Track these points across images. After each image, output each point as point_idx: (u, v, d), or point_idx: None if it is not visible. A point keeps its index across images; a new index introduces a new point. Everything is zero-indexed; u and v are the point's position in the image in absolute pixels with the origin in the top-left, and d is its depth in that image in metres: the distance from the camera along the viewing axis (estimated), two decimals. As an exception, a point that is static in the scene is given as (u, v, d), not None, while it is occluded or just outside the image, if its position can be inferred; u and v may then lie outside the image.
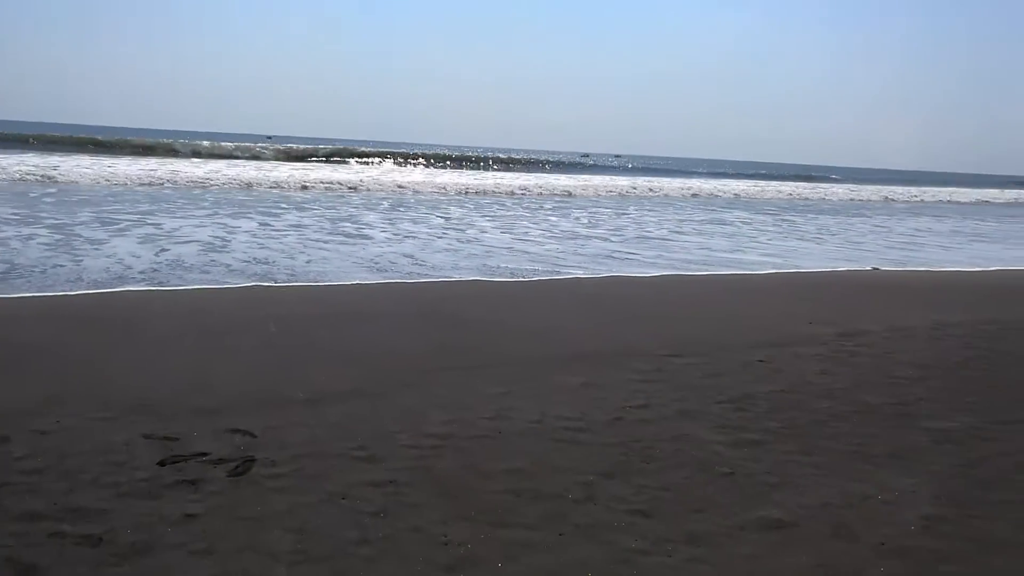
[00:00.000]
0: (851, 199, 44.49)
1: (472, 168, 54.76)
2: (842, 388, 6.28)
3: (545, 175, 46.84)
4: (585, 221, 21.78)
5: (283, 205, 21.68)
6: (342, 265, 11.72)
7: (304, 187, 28.34)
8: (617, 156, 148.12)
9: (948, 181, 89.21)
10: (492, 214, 22.32)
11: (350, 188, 29.26)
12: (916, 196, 48.49)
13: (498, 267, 12.18)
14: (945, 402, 5.95)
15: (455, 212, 22.36)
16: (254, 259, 11.79)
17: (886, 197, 47.01)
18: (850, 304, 10.24)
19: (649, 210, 27.64)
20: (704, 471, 4.55)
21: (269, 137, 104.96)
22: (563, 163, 71.67)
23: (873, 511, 4.06)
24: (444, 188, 31.20)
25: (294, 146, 56.78)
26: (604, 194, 35.28)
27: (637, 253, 14.85)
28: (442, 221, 19.45)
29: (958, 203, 46.70)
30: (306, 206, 21.72)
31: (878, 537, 3.75)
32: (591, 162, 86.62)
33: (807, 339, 7.92)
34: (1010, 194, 59.18)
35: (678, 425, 5.31)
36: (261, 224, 16.54)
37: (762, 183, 53.69)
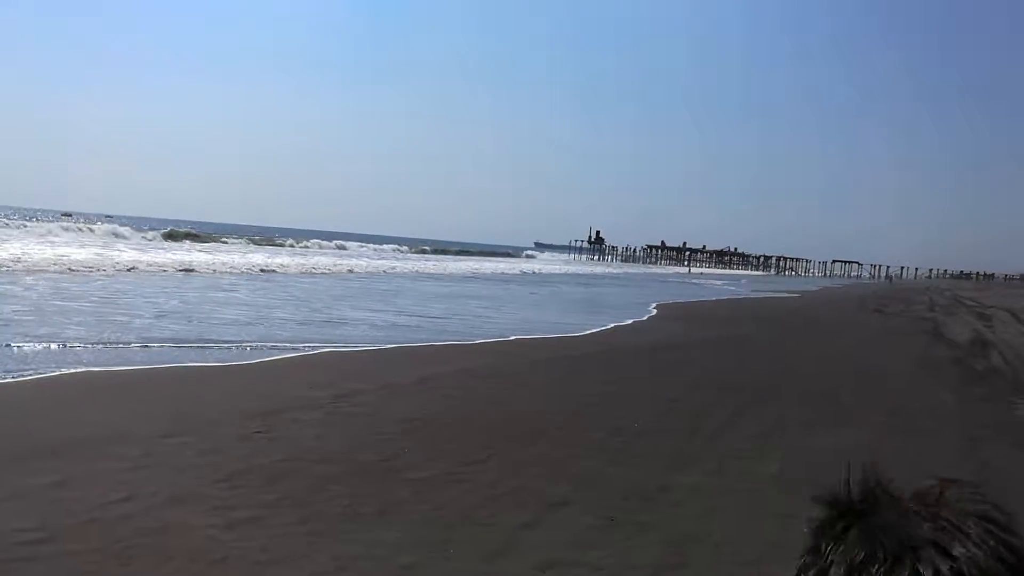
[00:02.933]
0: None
1: None
2: (337, 450, 6.50)
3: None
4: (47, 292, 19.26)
5: None
6: None
7: None
8: (108, 216, 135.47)
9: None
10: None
11: None
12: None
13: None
14: (425, 452, 6.56)
15: None
16: None
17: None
18: (347, 366, 10.76)
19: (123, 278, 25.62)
20: (194, 561, 4.25)
21: None
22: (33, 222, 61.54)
23: (361, 570, 4.23)
24: None
25: None
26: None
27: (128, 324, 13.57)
28: None
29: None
30: None
31: (364, 596, 3.90)
32: (70, 222, 78.45)
33: (306, 404, 8.06)
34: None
35: (167, 514, 4.90)
36: None
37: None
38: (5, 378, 8.52)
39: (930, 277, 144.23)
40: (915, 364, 14.34)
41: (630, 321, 20.31)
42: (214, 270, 28.90)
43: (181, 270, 27.44)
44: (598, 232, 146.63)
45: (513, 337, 15.02)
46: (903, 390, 11.42)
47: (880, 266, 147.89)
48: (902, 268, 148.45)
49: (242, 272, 29.45)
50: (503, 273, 49.83)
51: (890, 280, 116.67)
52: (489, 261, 70.41)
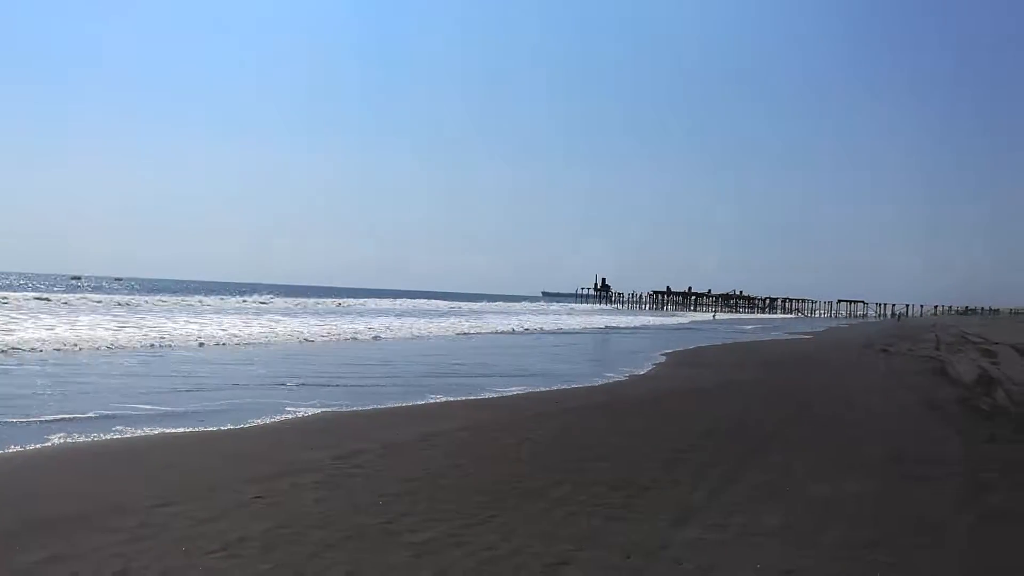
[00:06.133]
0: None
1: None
2: (337, 514, 6.44)
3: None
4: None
5: None
6: None
7: None
8: (118, 279, 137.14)
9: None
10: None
11: None
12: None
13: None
14: (426, 513, 6.50)
15: None
16: None
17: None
18: (348, 426, 10.71)
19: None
20: (187, 638, 4.18)
21: None
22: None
23: (357, 642, 4.15)
24: None
25: None
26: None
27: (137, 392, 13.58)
28: None
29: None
30: None
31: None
32: (79, 285, 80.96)
33: (305, 466, 8.01)
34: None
35: (162, 588, 4.85)
36: None
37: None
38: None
39: (936, 314, 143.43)
40: (921, 405, 14.21)
41: (638, 371, 20.23)
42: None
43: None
44: (604, 280, 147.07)
45: (517, 390, 14.96)
46: (909, 433, 11.30)
47: (886, 304, 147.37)
48: (907, 306, 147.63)
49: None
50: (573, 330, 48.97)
51: (898, 318, 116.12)
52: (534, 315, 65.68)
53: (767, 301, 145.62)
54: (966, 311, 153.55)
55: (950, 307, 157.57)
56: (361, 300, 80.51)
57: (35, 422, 10.02)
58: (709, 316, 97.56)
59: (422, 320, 44.98)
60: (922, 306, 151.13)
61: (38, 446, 8.75)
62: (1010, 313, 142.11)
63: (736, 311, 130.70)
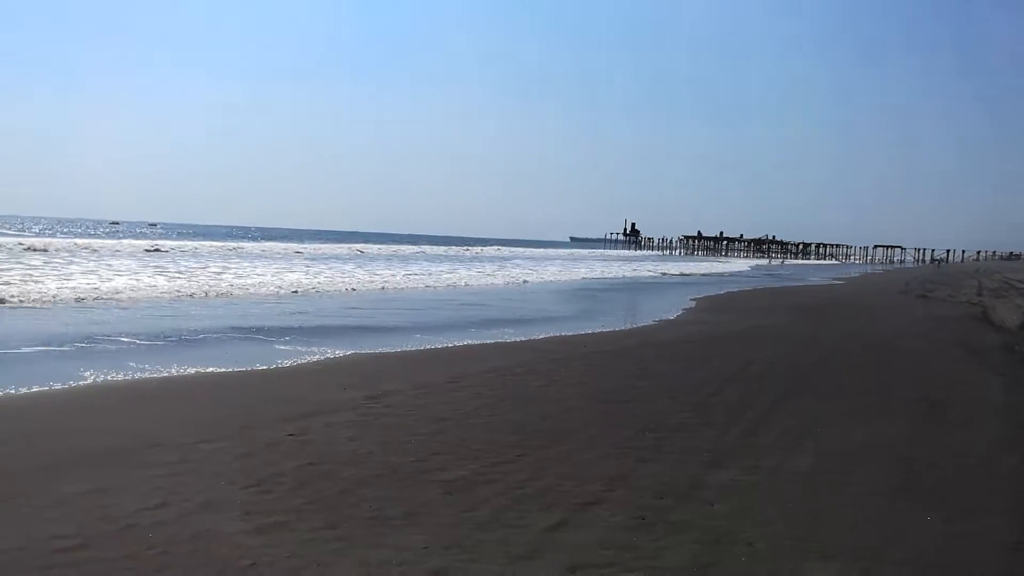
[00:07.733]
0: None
1: None
2: (368, 452, 6.53)
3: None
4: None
5: None
6: None
7: None
8: (152, 225, 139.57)
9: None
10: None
11: None
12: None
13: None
14: (456, 452, 6.56)
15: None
16: None
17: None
18: (381, 367, 10.80)
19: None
20: (224, 569, 4.29)
21: None
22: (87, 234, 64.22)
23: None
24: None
25: None
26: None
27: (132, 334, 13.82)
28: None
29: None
30: None
31: (390, 602, 3.89)
32: (117, 230, 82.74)
33: (339, 405, 8.11)
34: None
35: (199, 520, 4.97)
36: None
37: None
38: (45, 386, 8.72)
39: (978, 259, 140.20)
40: (961, 351, 13.97)
41: (668, 316, 20.11)
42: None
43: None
44: (633, 224, 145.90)
45: (545, 334, 14.96)
46: (947, 379, 11.12)
47: (924, 250, 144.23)
48: (948, 251, 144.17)
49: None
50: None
51: (938, 264, 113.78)
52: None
53: (800, 246, 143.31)
54: (1010, 256, 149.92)
55: (994, 252, 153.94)
56: (389, 246, 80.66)
57: (65, 358, 10.25)
58: (763, 262, 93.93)
59: (461, 267, 44.70)
60: (963, 251, 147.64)
61: (72, 384, 8.94)
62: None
63: (767, 256, 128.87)
